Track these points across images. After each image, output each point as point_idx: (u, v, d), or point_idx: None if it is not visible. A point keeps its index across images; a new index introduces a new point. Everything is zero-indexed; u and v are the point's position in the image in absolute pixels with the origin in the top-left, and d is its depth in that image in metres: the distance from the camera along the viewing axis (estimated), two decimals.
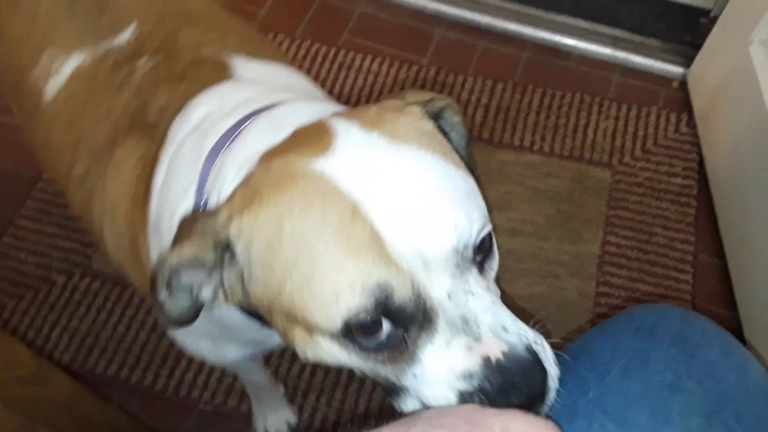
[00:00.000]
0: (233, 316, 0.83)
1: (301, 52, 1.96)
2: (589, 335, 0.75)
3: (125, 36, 0.98)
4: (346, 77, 1.92)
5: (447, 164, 0.65)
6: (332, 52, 1.96)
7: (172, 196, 0.80)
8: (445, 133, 0.74)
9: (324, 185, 0.61)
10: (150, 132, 0.89)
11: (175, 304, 0.68)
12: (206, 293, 0.68)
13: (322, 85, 1.91)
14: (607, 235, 1.67)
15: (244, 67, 0.94)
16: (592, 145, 1.82)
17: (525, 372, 0.60)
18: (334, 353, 0.63)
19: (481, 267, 0.65)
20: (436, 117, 0.73)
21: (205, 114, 0.84)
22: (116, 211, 0.92)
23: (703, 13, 2.07)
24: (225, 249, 0.65)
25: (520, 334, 0.62)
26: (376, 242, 0.59)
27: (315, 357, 0.65)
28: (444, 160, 0.65)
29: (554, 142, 1.82)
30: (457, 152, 0.73)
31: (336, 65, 1.94)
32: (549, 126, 1.85)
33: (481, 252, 0.64)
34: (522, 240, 1.66)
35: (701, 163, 1.79)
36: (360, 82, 1.92)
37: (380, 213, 0.60)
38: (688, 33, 2.03)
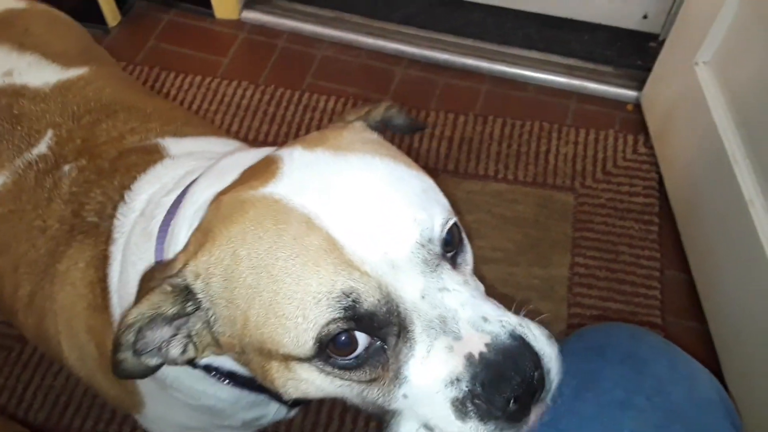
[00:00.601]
0: (223, 397, 0.80)
1: (266, 98, 2.00)
2: None
3: (43, 145, 0.95)
4: (311, 119, 1.96)
5: (398, 165, 0.65)
6: (296, 95, 2.01)
7: (133, 287, 0.77)
8: (391, 127, 0.76)
9: (274, 207, 0.61)
10: (93, 233, 0.86)
11: (142, 364, 0.66)
12: (175, 349, 0.66)
13: (288, 127, 1.95)
14: (575, 257, 1.70)
15: (175, 145, 0.93)
16: (554, 171, 1.87)
17: (513, 359, 0.57)
18: (315, 381, 0.61)
19: (453, 262, 0.63)
20: (379, 125, 0.74)
21: (148, 198, 0.83)
22: (74, 322, 0.88)
23: (652, 37, 2.16)
24: (186, 297, 0.63)
25: (502, 321, 0.59)
26: (335, 251, 0.57)
27: (298, 391, 0.63)
28: (394, 162, 0.65)
29: (517, 170, 1.87)
30: (409, 131, 0.77)
31: (301, 108, 1.99)
32: (511, 154, 1.90)
33: (451, 247, 0.63)
34: (493, 267, 1.68)
35: (661, 181, 1.84)
36: (325, 122, 1.96)
37: (335, 221, 0.58)
38: (639, 57, 2.12)
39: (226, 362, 0.74)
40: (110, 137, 0.95)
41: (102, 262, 0.83)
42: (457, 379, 0.57)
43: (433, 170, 1.92)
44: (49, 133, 0.96)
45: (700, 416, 0.69)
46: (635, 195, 1.81)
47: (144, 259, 0.77)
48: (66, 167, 0.92)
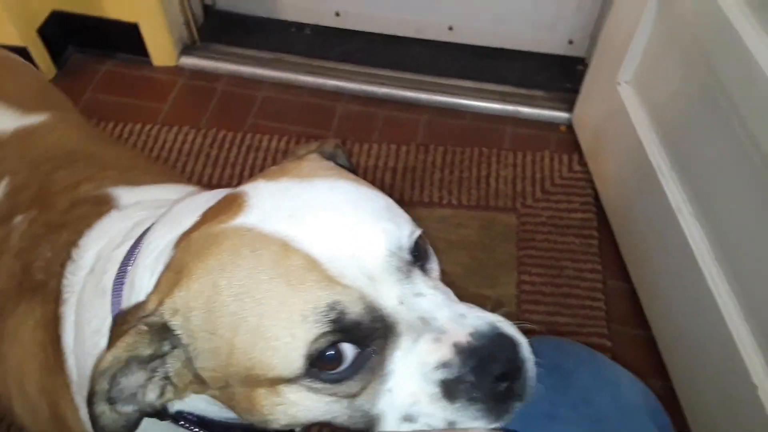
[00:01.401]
0: None
1: (208, 141, 2.01)
2: None
3: None
4: (255, 158, 1.98)
5: (361, 185, 0.68)
6: (239, 136, 2.03)
7: (89, 345, 0.76)
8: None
9: (249, 236, 0.62)
10: (41, 292, 0.84)
11: (121, 417, 0.64)
12: (152, 393, 0.65)
13: (232, 169, 1.96)
14: (521, 275, 1.75)
15: (127, 195, 0.92)
16: (495, 193, 1.93)
17: (497, 343, 0.61)
18: (304, 402, 0.61)
19: (423, 270, 0.67)
20: (330, 158, 0.77)
21: (97, 254, 0.81)
22: (25, 383, 0.85)
23: (579, 61, 2.27)
24: (163, 336, 0.62)
25: (479, 316, 0.63)
26: (315, 268, 0.59)
27: (287, 417, 0.62)
28: (357, 183, 0.68)
29: (461, 195, 1.92)
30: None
31: (244, 148, 2.00)
32: (454, 180, 1.96)
33: (419, 256, 0.66)
34: None
35: (596, 196, 1.92)
36: (269, 161, 1.98)
37: (311, 241, 0.61)
38: (568, 81, 2.22)
39: (199, 406, 0.73)
40: (65, 186, 0.93)
41: (53, 322, 0.81)
42: (448, 364, 0.60)
43: None
44: (6, 180, 0.94)
45: (625, 419, 0.72)
46: (574, 211, 1.88)
47: (99, 316, 0.75)
48: (17, 218, 0.90)
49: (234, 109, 2.11)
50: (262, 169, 1.96)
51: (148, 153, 1.97)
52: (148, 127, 2.03)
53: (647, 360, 1.63)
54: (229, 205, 0.67)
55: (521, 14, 2.22)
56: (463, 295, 1.84)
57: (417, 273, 0.65)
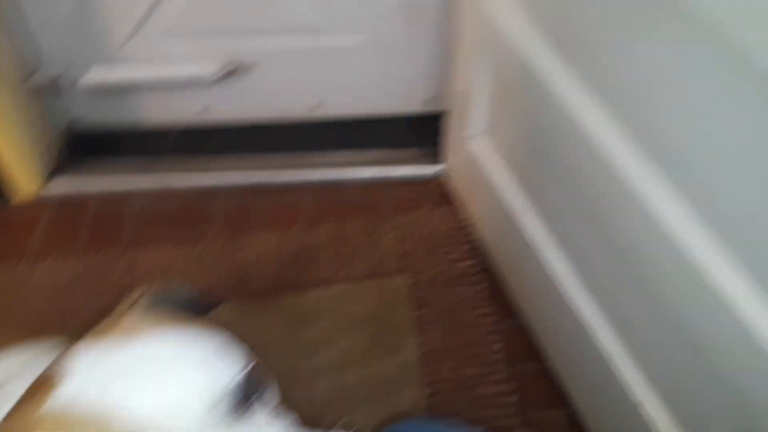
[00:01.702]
0: None
1: (84, 269, 1.94)
2: None
3: None
4: (137, 277, 1.93)
5: (184, 333, 0.67)
6: (117, 255, 1.98)
7: None
8: (181, 303, 0.77)
9: (60, 420, 0.60)
10: None
11: None
12: None
13: (114, 293, 1.89)
14: (421, 336, 1.79)
15: None
16: (385, 259, 1.98)
17: None
18: None
19: (256, 405, 0.66)
20: (167, 301, 0.76)
21: None
22: None
23: (441, 117, 2.40)
24: None
25: None
26: None
27: None
28: (180, 332, 0.67)
29: (352, 267, 1.96)
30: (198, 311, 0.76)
31: (123, 266, 1.95)
32: (344, 254, 1.99)
33: (252, 390, 0.66)
34: (347, 371, 1.71)
35: (478, 242, 2.01)
36: (152, 277, 1.93)
37: (125, 412, 0.59)
38: (434, 137, 2.34)
39: None
40: None
41: None
42: None
43: (270, 290, 1.94)
44: None
45: None
46: (459, 261, 1.96)
47: None
48: None
49: (108, 229, 2.06)
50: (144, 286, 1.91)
51: (20, 295, 1.87)
52: (15, 267, 1.93)
53: (552, 391, 1.69)
54: (48, 380, 0.64)
55: (380, 81, 2.34)
56: (367, 371, 1.82)
57: (250, 410, 0.65)
